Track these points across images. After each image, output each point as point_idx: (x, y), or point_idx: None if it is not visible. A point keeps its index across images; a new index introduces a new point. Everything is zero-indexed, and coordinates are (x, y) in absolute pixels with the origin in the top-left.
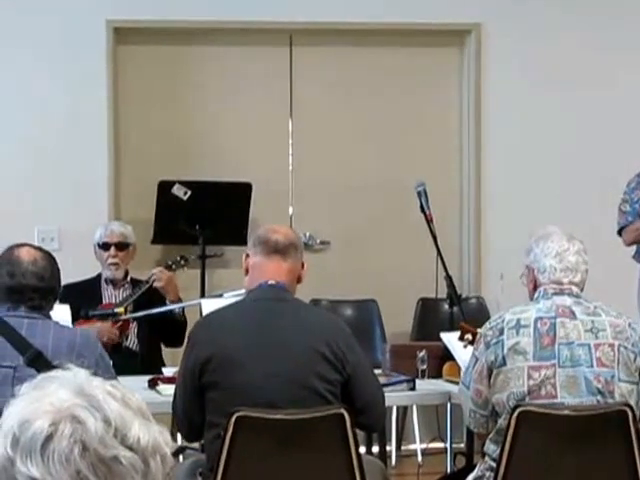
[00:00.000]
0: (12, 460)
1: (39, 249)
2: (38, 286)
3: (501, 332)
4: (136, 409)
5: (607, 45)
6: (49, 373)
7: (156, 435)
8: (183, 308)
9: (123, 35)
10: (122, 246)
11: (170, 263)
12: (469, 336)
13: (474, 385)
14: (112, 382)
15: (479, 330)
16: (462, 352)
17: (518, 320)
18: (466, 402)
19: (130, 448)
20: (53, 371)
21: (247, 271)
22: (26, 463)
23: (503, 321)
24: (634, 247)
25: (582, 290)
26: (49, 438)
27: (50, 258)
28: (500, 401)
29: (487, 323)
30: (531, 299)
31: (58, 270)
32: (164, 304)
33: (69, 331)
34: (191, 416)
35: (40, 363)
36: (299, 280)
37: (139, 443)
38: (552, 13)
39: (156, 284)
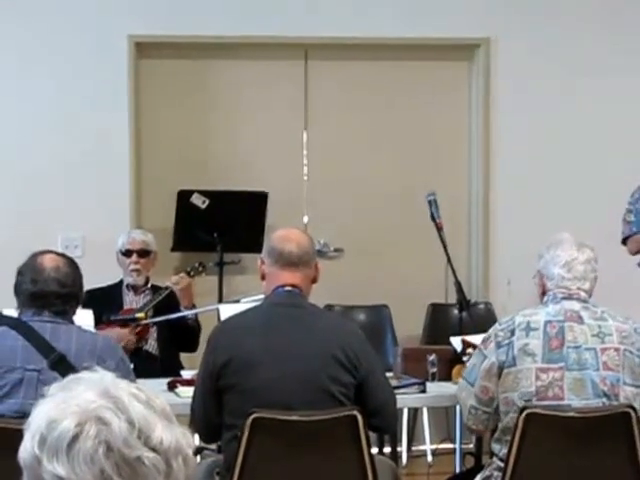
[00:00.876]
0: (39, 459)
1: (62, 255)
2: (60, 292)
3: (512, 333)
4: (160, 411)
5: (615, 60)
6: (76, 375)
7: (179, 437)
8: (196, 314)
9: (144, 50)
10: (144, 253)
11: (189, 269)
12: (471, 350)
13: (481, 382)
14: (137, 385)
15: (489, 331)
16: None
17: (528, 322)
18: (467, 399)
19: (153, 449)
20: (80, 373)
21: (263, 277)
22: (52, 462)
23: (514, 323)
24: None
25: (590, 296)
26: (75, 438)
27: (72, 264)
28: (510, 400)
29: (497, 324)
30: (540, 302)
31: (80, 276)
32: (179, 310)
33: (91, 335)
34: (209, 418)
35: (63, 366)
36: (314, 281)
37: (162, 444)
38: (561, 27)
39: (175, 287)
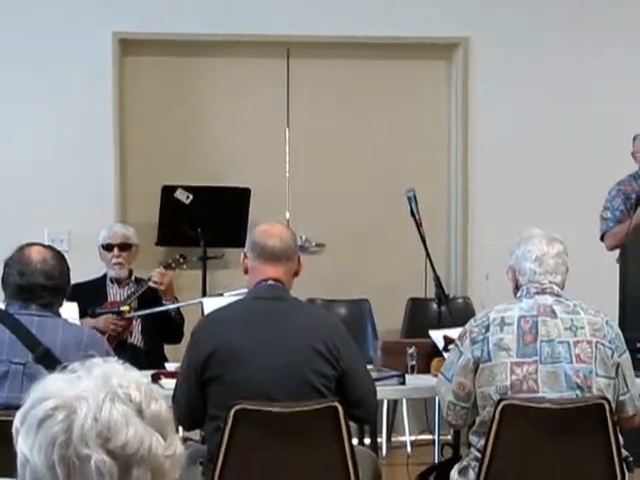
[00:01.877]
0: (17, 432)
1: (49, 248)
2: (47, 285)
3: (487, 329)
4: (149, 417)
5: (592, 58)
6: (96, 360)
7: (156, 447)
8: (179, 307)
9: (129, 47)
10: (125, 246)
11: (170, 262)
12: (452, 346)
13: (457, 379)
14: (147, 386)
15: (464, 327)
16: None
17: (502, 318)
18: (446, 395)
19: (109, 452)
20: (99, 360)
21: (246, 271)
22: (24, 438)
23: (488, 318)
24: (617, 251)
25: (563, 288)
26: (43, 420)
27: (59, 257)
28: (486, 394)
29: (472, 320)
30: (515, 297)
31: (68, 269)
32: (162, 303)
33: (77, 329)
34: (193, 409)
35: (49, 360)
36: (296, 274)
37: (123, 450)
38: (538, 27)
39: (157, 287)
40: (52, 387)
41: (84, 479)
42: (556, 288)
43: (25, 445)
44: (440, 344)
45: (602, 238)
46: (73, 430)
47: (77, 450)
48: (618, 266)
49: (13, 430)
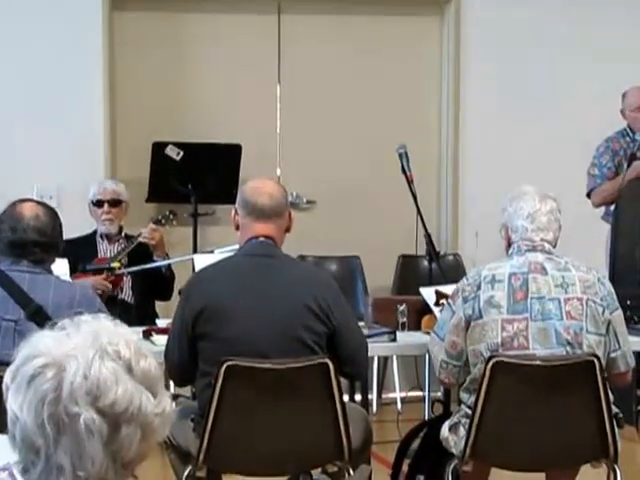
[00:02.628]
0: (7, 389)
1: (42, 204)
2: (39, 241)
3: (478, 287)
4: (139, 374)
5: (584, 11)
6: (85, 317)
7: (146, 405)
8: (170, 264)
9: (119, 1)
10: (115, 203)
11: (160, 218)
12: (444, 301)
13: (450, 337)
14: (137, 344)
15: (456, 286)
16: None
17: (493, 275)
18: (438, 353)
19: (99, 410)
20: (97, 316)
21: (237, 227)
22: (14, 395)
23: (480, 276)
24: (603, 208)
25: (555, 246)
26: (33, 377)
27: (52, 213)
28: (477, 352)
29: (464, 279)
30: (506, 254)
31: (60, 225)
32: (153, 259)
33: (69, 286)
34: (184, 365)
35: (40, 317)
36: (287, 230)
37: (112, 408)
38: None
39: (148, 242)
40: (41, 345)
41: (74, 437)
42: (547, 245)
43: (15, 403)
44: (431, 301)
45: (589, 195)
46: (62, 388)
47: (67, 408)
48: (604, 223)
49: (3, 387)
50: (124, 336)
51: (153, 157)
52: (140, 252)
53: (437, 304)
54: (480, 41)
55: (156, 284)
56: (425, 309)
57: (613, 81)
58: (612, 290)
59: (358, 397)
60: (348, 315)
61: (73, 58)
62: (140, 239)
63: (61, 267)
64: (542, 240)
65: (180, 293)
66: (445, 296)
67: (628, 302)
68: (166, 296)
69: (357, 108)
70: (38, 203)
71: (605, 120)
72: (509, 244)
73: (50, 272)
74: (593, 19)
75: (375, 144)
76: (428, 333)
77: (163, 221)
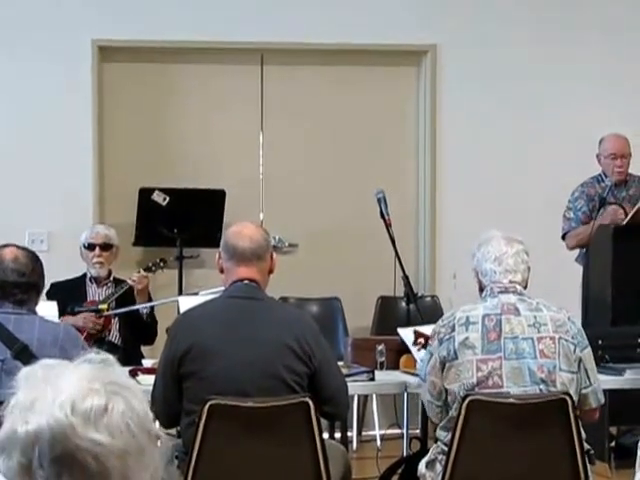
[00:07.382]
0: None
1: (22, 248)
2: (19, 281)
3: (453, 329)
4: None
5: (560, 61)
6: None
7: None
8: (152, 308)
9: (107, 53)
10: (106, 247)
11: (150, 265)
12: (422, 340)
13: (429, 378)
14: (99, 388)
15: (433, 328)
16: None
17: (467, 317)
18: (424, 395)
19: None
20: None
21: (222, 270)
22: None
23: (454, 318)
24: (577, 251)
25: (526, 287)
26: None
27: (32, 255)
28: (452, 392)
29: (440, 321)
30: (480, 297)
31: (41, 266)
32: (135, 304)
33: (53, 325)
34: (169, 404)
35: (26, 356)
36: (271, 271)
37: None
38: (505, 33)
39: (136, 286)
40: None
41: None
42: (519, 287)
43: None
44: (409, 340)
45: (564, 237)
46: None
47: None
48: (577, 265)
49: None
50: (92, 385)
51: (140, 202)
52: (126, 297)
53: (415, 343)
54: (455, 90)
55: (139, 330)
56: (403, 349)
57: (592, 126)
58: (581, 328)
59: (338, 435)
60: (329, 356)
61: (63, 109)
62: (129, 282)
63: (50, 309)
64: (511, 282)
65: (167, 331)
66: (423, 335)
67: (600, 342)
68: (148, 341)
69: (337, 154)
70: (18, 247)
71: (579, 164)
72: (481, 288)
73: (34, 313)
74: (568, 74)
75: (355, 189)
76: (406, 372)
77: (153, 268)
